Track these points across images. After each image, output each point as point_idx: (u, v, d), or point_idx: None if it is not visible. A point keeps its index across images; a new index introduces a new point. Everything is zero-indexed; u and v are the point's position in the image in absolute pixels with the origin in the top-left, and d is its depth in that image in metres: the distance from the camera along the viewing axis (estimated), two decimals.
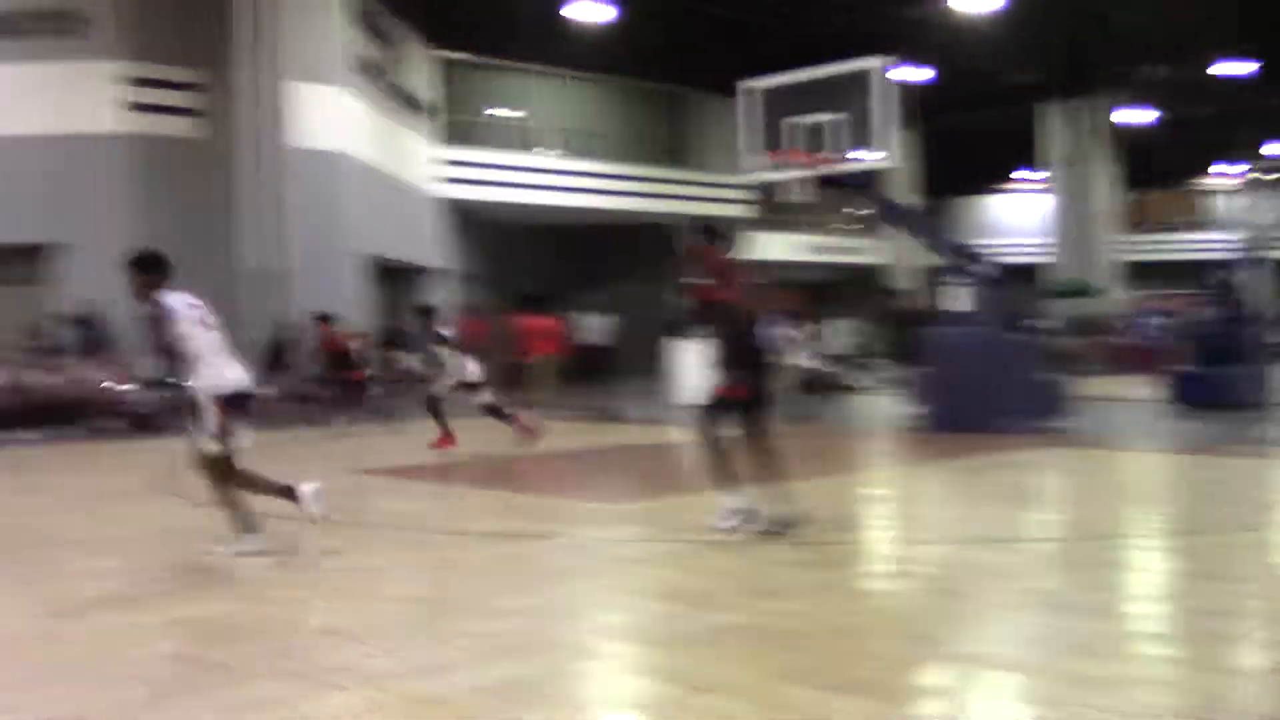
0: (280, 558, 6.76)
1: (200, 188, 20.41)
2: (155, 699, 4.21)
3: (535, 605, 5.58)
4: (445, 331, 13.70)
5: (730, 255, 7.58)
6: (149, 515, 8.83)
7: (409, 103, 26.65)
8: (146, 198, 20.07)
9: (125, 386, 16.30)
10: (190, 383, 6.67)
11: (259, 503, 6.96)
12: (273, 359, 17.90)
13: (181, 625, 5.26)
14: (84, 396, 16.04)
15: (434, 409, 13.14)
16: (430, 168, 27.93)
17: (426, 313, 14.18)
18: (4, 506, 9.84)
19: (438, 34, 27.22)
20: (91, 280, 19.14)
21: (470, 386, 13.20)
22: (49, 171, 19.80)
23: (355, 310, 21.16)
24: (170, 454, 13.34)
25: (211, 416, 6.64)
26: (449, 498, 10.21)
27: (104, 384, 16.26)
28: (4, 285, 19.35)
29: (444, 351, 13.40)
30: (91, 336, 17.52)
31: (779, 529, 6.91)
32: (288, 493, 6.99)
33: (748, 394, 6.98)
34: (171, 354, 6.67)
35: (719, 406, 7.03)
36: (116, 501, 9.82)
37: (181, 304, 6.76)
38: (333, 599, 5.87)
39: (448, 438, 12.91)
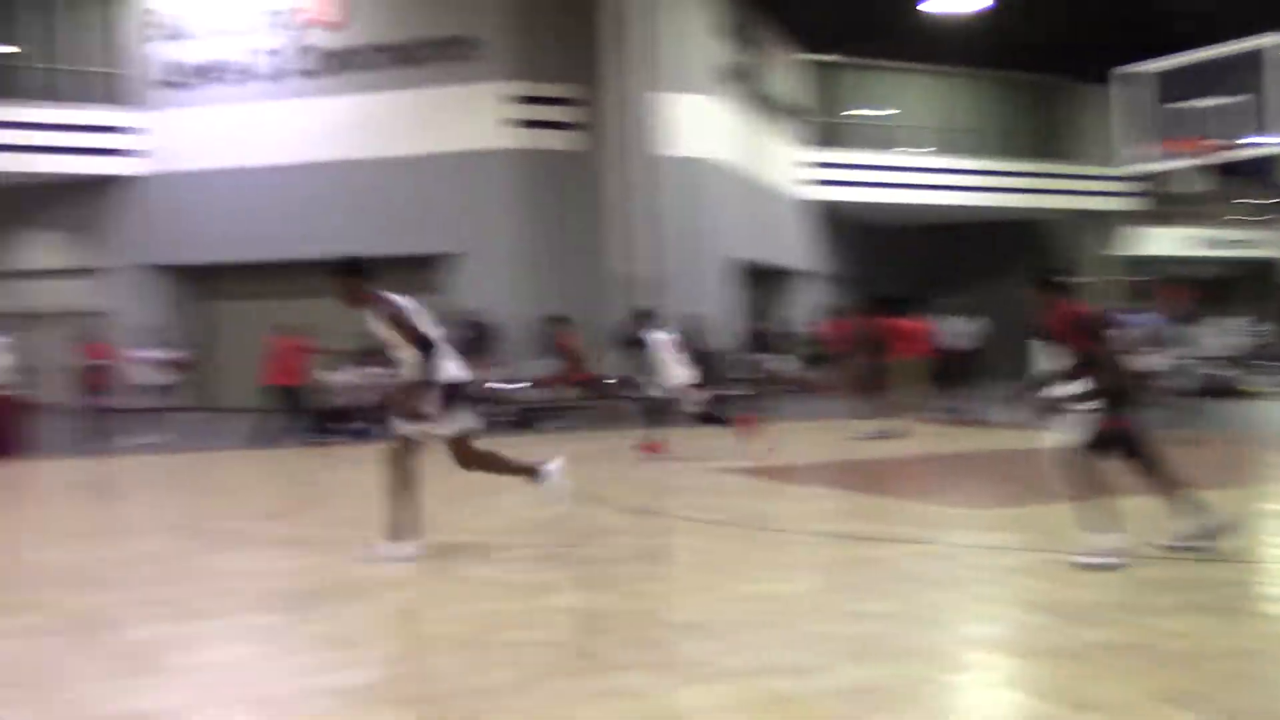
0: (647, 553, 6.94)
1: (577, 198, 21.47)
2: (525, 681, 4.41)
3: (897, 610, 5.44)
4: (651, 336, 13.32)
5: (1076, 305, 6.81)
6: (525, 508, 9.31)
7: (776, 107, 26.86)
8: (528, 209, 21.33)
9: (507, 385, 17.38)
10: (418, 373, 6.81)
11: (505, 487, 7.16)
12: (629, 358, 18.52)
13: (555, 613, 5.50)
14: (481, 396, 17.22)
15: (650, 413, 13.17)
16: (797, 170, 28.05)
17: (644, 317, 13.90)
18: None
19: (805, 37, 27.28)
20: (479, 286, 20.57)
21: (683, 391, 12.95)
22: (445, 188, 21.45)
23: (723, 314, 21.57)
24: (545, 450, 14.13)
25: (432, 403, 6.81)
26: (806, 498, 10.16)
27: (488, 383, 17.38)
28: (410, 293, 21.02)
29: (653, 357, 13.07)
30: (477, 338, 18.73)
31: (1204, 543, 6.37)
32: (530, 472, 7.23)
33: (1127, 427, 6.44)
34: (424, 344, 6.81)
35: (1101, 443, 6.44)
36: (497, 494, 10.44)
37: (404, 301, 7.01)
38: (694, 595, 5.97)
39: (655, 444, 12.75)
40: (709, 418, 13.13)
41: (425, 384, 6.80)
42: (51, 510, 10.58)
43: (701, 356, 19.91)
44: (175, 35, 23.12)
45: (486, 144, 21.39)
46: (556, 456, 7.42)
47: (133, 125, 23.22)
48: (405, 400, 6.96)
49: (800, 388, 21.92)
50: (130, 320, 20.35)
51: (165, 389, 16.74)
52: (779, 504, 9.57)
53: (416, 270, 21.82)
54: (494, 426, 16.58)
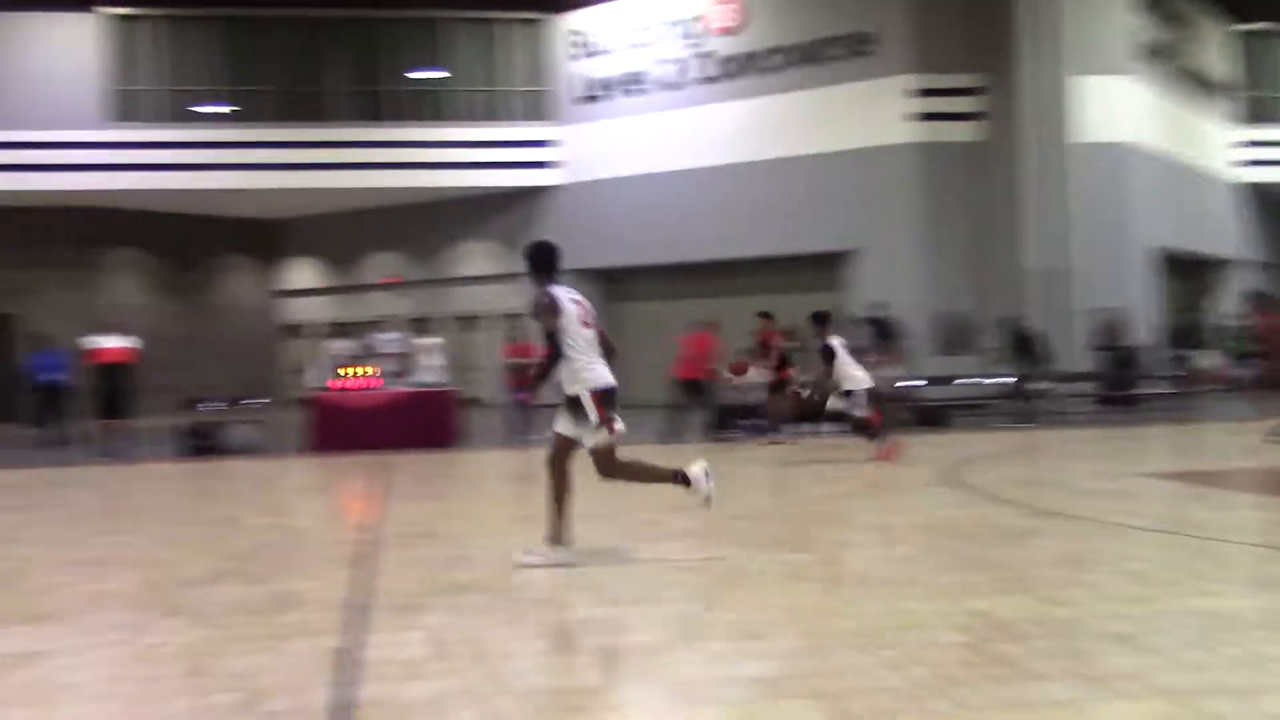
0: (1067, 559, 6.57)
1: (982, 189, 20.76)
2: (937, 683, 4.26)
3: None
4: (834, 341, 12.94)
5: None
6: (932, 506, 9.09)
7: (1202, 84, 24.81)
8: (931, 203, 20.86)
9: (908, 383, 17.05)
10: (568, 377, 6.71)
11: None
12: (1023, 354, 17.67)
13: (970, 616, 5.29)
14: (879, 393, 16.98)
15: (844, 419, 13.21)
16: (1227, 151, 25.79)
17: (821, 320, 13.34)
18: (808, 493, 10.72)
19: (1231, 6, 25.03)
20: (882, 282, 20.33)
21: (854, 396, 12.76)
22: (846, 185, 21.38)
23: (1143, 307, 20.20)
24: (958, 448, 13.75)
25: (592, 410, 6.65)
26: (1234, 506, 9.25)
27: (897, 381, 17.13)
28: (810, 291, 21.15)
29: (838, 362, 12.88)
30: (882, 335, 18.49)
31: None
32: (678, 477, 6.90)
33: None
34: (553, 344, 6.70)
35: None
36: (903, 492, 10.26)
37: (566, 298, 6.82)
38: (1123, 604, 5.56)
39: (890, 448, 12.49)
40: (862, 426, 12.95)
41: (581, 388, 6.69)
42: (485, 497, 11.43)
43: (1119, 353, 18.77)
44: (593, 52, 24.45)
45: (887, 139, 21.12)
46: (699, 459, 7.14)
47: (553, 139, 24.78)
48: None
49: (1230, 385, 20.11)
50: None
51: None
52: (1204, 511, 8.78)
53: (817, 268, 21.91)
54: (902, 425, 16.39)
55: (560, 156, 24.73)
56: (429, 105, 24.95)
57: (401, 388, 16.01)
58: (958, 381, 18.19)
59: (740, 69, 22.79)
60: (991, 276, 20.29)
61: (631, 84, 24.04)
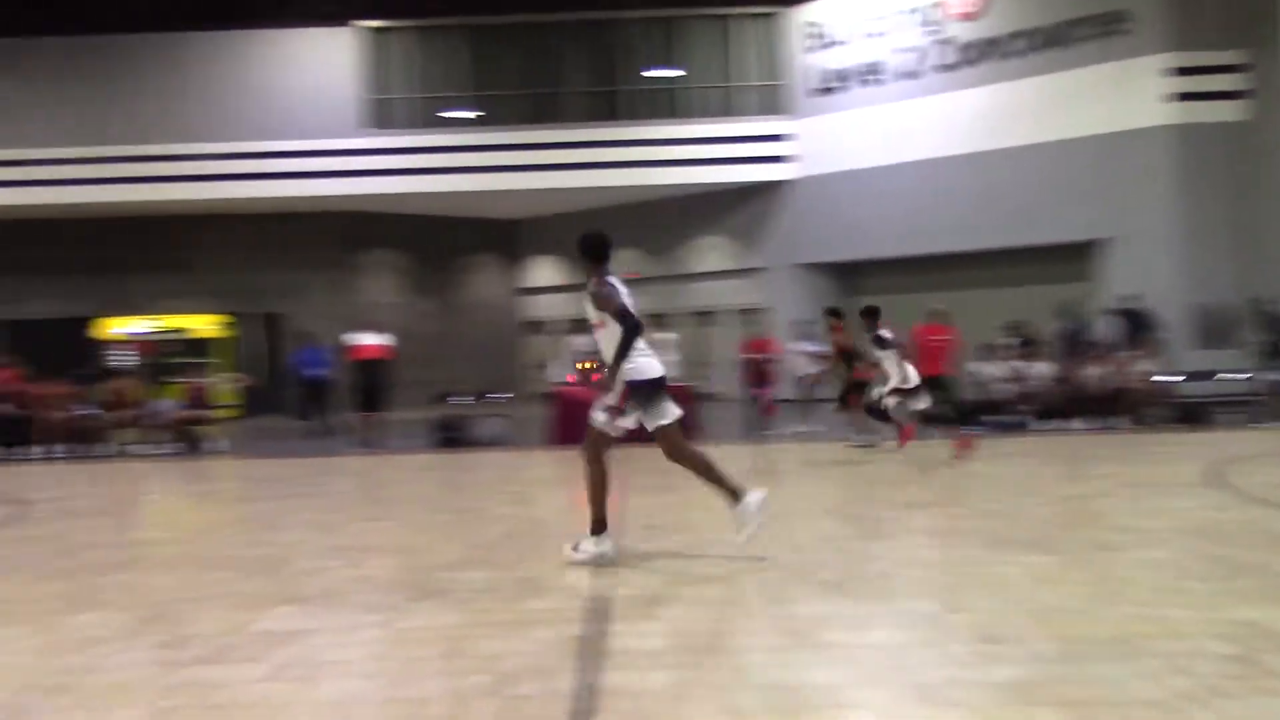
0: None
1: (1247, 171, 19.50)
2: (1200, 695, 4.04)
3: None
4: (886, 334, 13.05)
5: None
6: (1193, 508, 8.61)
7: None
8: (1189, 187, 19.72)
9: (1171, 378, 16.21)
10: (622, 366, 6.70)
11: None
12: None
13: (1231, 625, 5.00)
14: (1130, 388, 16.24)
15: (877, 414, 13.30)
16: None
17: (871, 314, 13.44)
18: (1058, 492, 10.33)
19: None
20: (1135, 272, 19.35)
21: (906, 393, 12.87)
22: (1094, 171, 20.45)
23: None
24: (1221, 447, 12.98)
25: (615, 397, 6.75)
26: None
27: (1153, 375, 16.32)
28: (1054, 283, 20.37)
29: (884, 355, 12.96)
30: (1136, 327, 17.64)
31: None
32: (734, 494, 6.79)
33: None
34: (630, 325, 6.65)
35: None
36: (1161, 493, 9.76)
37: (621, 286, 6.78)
38: None
39: (905, 435, 12.99)
40: (932, 418, 13.15)
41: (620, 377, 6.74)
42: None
43: None
44: (828, 43, 24.21)
45: (1140, 122, 20.06)
46: (759, 488, 6.91)
47: (788, 133, 24.67)
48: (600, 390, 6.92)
49: None
50: (786, 316, 21.60)
51: (814, 381, 17.55)
52: None
53: (1062, 259, 21.03)
54: (1159, 422, 15.59)
55: (795, 150, 24.59)
56: (664, 103, 25.26)
57: None
58: (1219, 377, 17.14)
59: (980, 55, 22.10)
60: (1256, 265, 19.01)
61: (868, 74, 23.67)
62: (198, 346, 22.69)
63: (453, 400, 17.77)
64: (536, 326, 29.50)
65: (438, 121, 24.97)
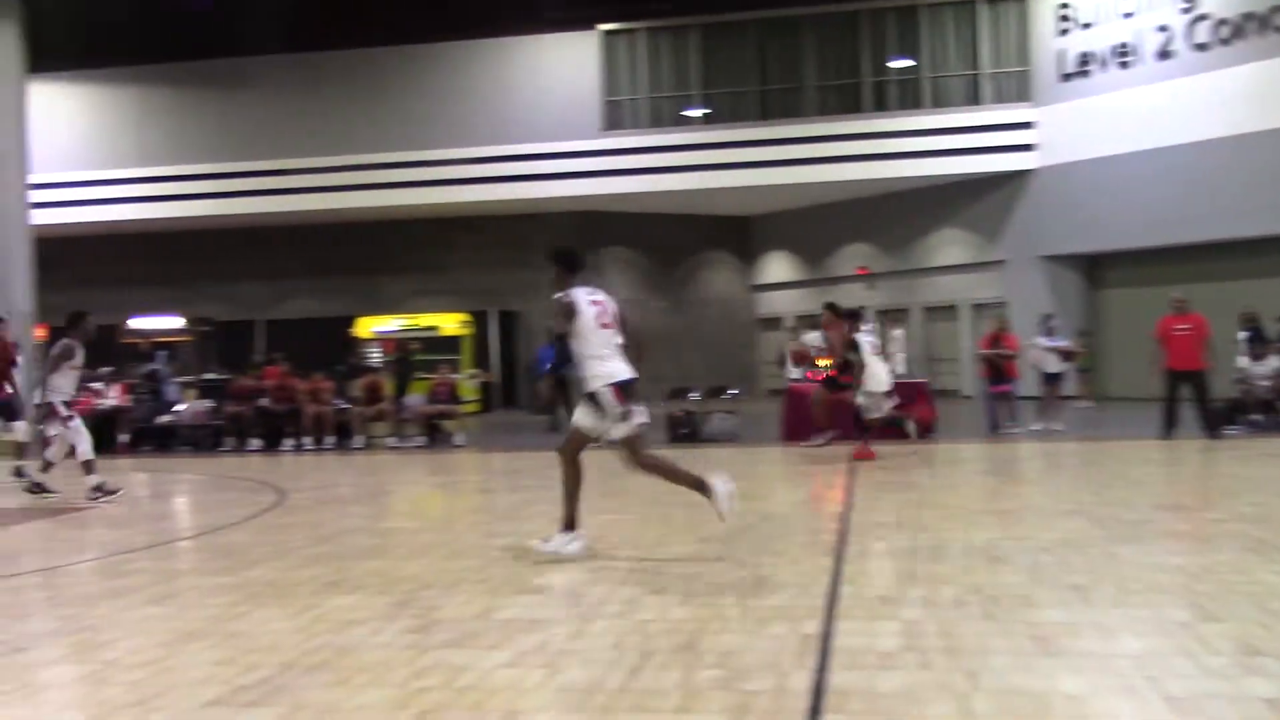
0: None
1: None
2: None
3: None
4: (864, 336, 13.26)
5: None
6: None
7: None
8: None
9: None
10: (588, 375, 7.08)
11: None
12: None
13: None
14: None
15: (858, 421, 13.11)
16: None
17: (853, 316, 13.73)
18: None
19: None
20: None
21: (885, 395, 13.01)
22: None
23: None
24: None
25: (612, 402, 7.01)
26: None
27: None
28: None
29: (861, 357, 12.94)
30: None
31: None
32: (701, 486, 7.10)
33: None
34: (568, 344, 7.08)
35: None
36: None
37: (585, 300, 7.15)
38: None
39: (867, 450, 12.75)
40: (890, 423, 13.26)
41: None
42: (958, 488, 11.23)
43: None
44: (1079, 25, 23.26)
45: None
46: (724, 475, 7.19)
47: (1031, 121, 23.83)
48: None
49: None
50: (1027, 310, 20.87)
51: (1059, 377, 16.92)
52: None
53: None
54: None
55: (1038, 139, 23.73)
56: (903, 93, 24.80)
57: None
58: None
59: (1238, 31, 20.76)
60: None
61: (1118, 56, 22.60)
62: (443, 344, 23.68)
63: (686, 396, 17.96)
64: (770, 323, 29.47)
65: (673, 120, 25.26)
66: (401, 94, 24.95)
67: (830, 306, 14.21)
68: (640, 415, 7.19)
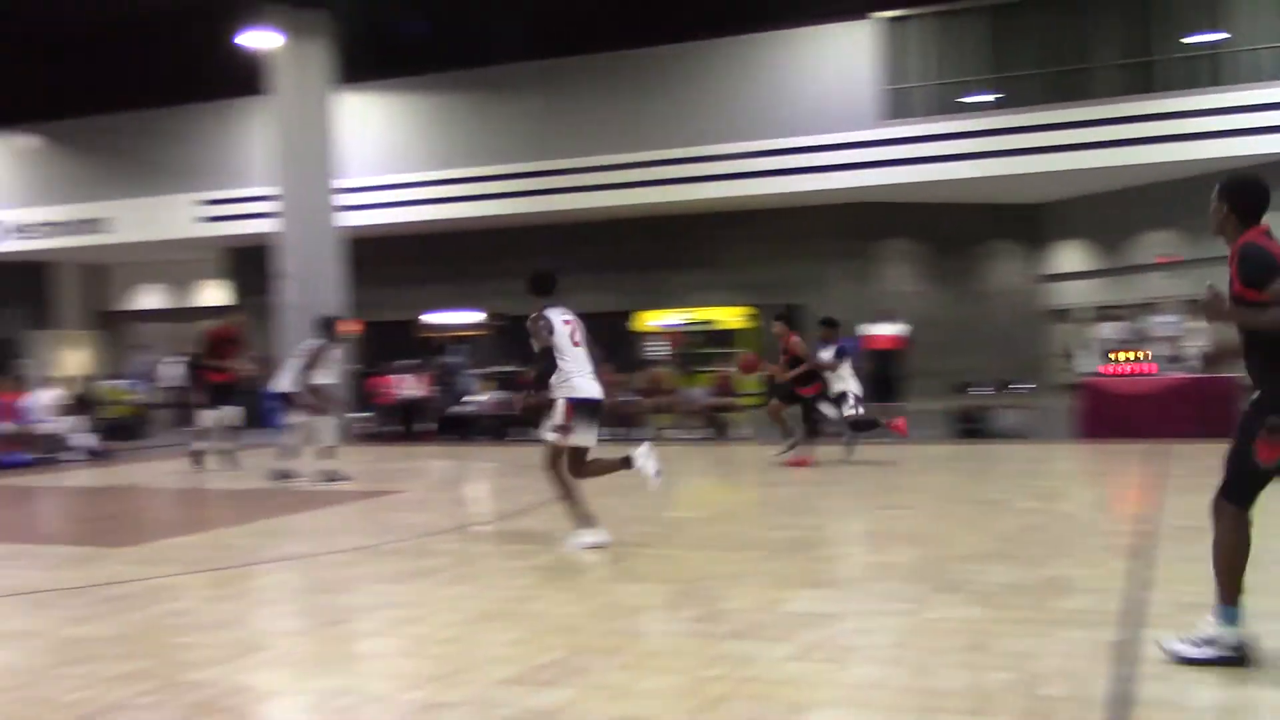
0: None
1: None
2: None
3: None
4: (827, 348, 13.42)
5: None
6: None
7: None
8: None
9: None
10: (556, 385, 7.61)
11: None
12: None
13: None
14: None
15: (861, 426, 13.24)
16: None
17: (830, 324, 13.93)
18: None
19: None
20: None
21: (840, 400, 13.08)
22: None
23: None
24: None
25: (560, 413, 7.57)
26: None
27: None
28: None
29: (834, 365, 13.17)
30: None
31: None
32: (625, 463, 7.70)
33: None
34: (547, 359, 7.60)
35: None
36: None
37: (559, 319, 7.74)
38: None
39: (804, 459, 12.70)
40: (860, 425, 13.33)
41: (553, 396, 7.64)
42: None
43: None
44: None
45: None
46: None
47: None
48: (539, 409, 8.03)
49: None
50: None
51: None
52: None
53: None
54: None
55: None
56: (1207, 70, 23.19)
57: (1177, 373, 15.11)
58: None
59: None
60: None
61: None
62: (724, 338, 23.89)
63: (973, 391, 17.44)
64: (1061, 314, 28.19)
65: (956, 107, 24.55)
66: (678, 91, 25.29)
67: (780, 317, 14.63)
68: (582, 438, 7.66)
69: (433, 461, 15.66)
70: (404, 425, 18.88)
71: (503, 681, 4.60)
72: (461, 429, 18.81)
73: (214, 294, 31.49)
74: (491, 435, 18.43)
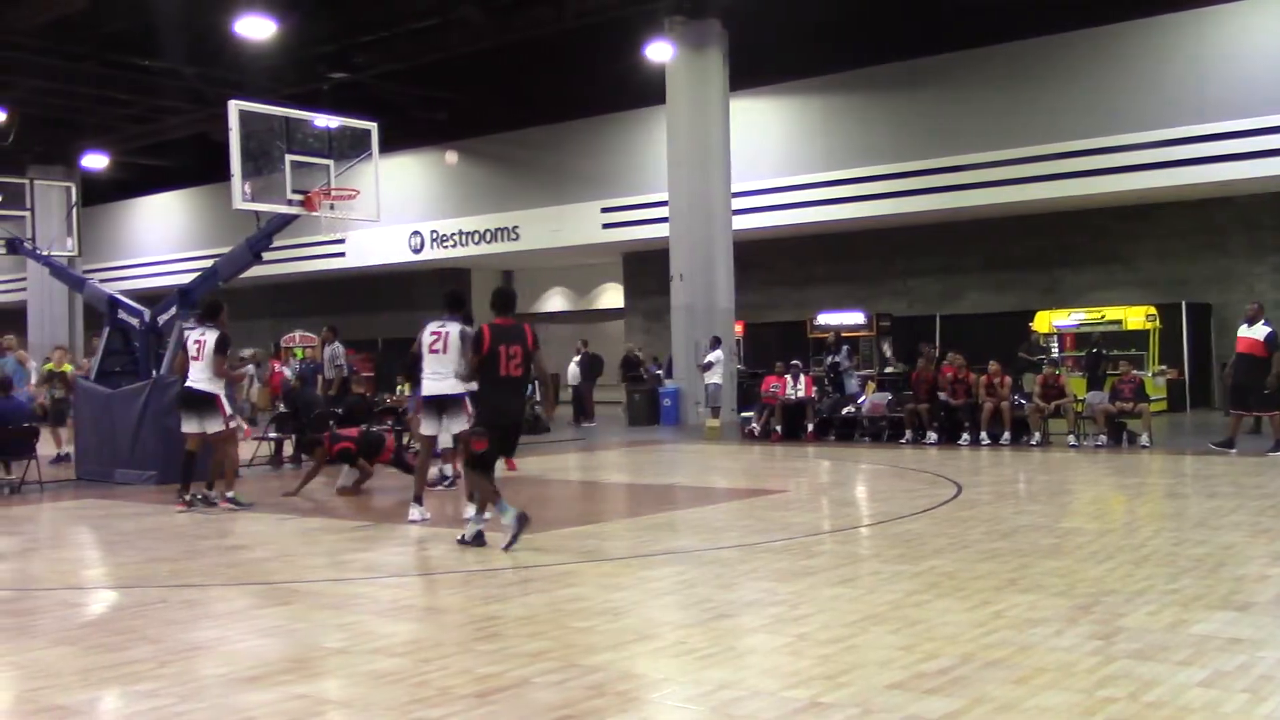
0: None
1: None
2: None
3: None
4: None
5: None
6: None
7: None
8: None
9: None
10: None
11: None
12: None
13: None
14: None
15: None
16: None
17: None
18: None
19: None
20: None
21: None
22: None
23: None
24: None
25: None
26: None
27: None
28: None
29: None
30: None
31: None
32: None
33: None
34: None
35: None
36: None
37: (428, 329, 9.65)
38: None
39: None
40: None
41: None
42: None
43: None
44: None
45: None
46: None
47: None
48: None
49: None
50: None
51: None
52: None
53: None
54: None
55: None
56: None
57: None
58: None
59: None
60: None
61: None
62: (1126, 339, 22.50)
63: None
64: None
65: None
66: (1085, 79, 23.89)
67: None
68: (427, 428, 9.90)
69: (814, 462, 15.72)
70: (786, 425, 19.03)
71: (886, 687, 4.57)
72: (844, 430, 18.74)
73: (612, 296, 33.11)
74: (873, 437, 18.24)
